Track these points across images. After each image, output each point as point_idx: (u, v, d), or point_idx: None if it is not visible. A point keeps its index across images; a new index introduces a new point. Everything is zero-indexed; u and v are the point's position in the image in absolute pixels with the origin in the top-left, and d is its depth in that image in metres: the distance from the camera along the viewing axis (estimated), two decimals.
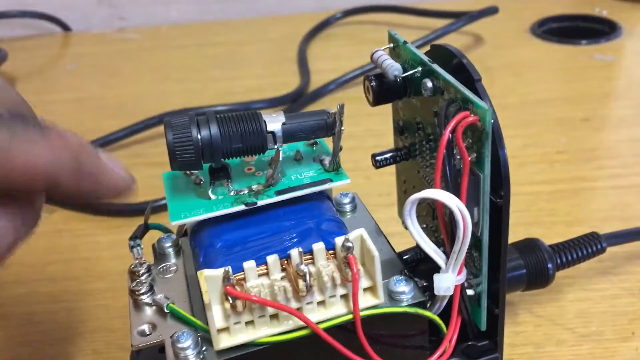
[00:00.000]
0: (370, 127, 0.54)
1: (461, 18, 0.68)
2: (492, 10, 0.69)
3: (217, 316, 0.23)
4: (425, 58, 0.26)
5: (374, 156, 0.30)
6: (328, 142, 0.30)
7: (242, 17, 0.84)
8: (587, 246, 0.33)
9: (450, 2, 0.78)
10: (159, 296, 0.26)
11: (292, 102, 0.60)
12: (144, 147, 0.56)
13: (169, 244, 0.29)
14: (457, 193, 0.24)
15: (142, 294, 0.26)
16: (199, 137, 0.25)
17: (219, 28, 0.81)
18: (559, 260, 0.32)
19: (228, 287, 0.23)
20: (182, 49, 0.77)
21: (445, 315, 0.26)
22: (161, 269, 0.28)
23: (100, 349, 0.36)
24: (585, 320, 0.35)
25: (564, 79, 0.62)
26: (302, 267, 0.23)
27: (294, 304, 0.24)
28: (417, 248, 0.31)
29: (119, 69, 0.73)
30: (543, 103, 0.57)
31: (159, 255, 0.29)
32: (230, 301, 0.23)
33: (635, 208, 0.43)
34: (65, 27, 0.83)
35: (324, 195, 0.28)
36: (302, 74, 0.65)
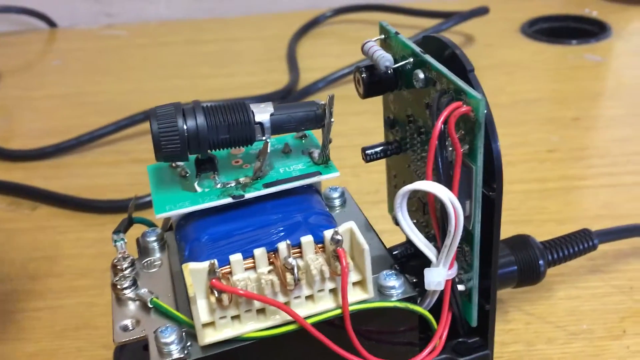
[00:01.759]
0: (358, 125, 0.54)
1: (451, 18, 0.67)
2: (482, 11, 0.68)
3: (202, 310, 0.23)
4: (417, 49, 0.26)
5: (364, 150, 0.29)
6: (317, 136, 0.29)
7: (231, 15, 0.83)
8: (578, 243, 0.33)
9: (440, 1, 0.78)
10: (143, 290, 0.25)
11: (281, 99, 0.59)
12: (130, 144, 0.55)
13: (153, 238, 0.28)
14: (449, 186, 0.23)
15: (125, 288, 0.26)
16: (185, 127, 0.24)
17: (209, 25, 0.81)
18: (550, 257, 0.32)
19: (214, 280, 0.22)
20: (171, 46, 0.76)
21: (435, 311, 0.26)
22: (145, 264, 0.28)
23: (84, 346, 0.35)
24: (576, 318, 0.35)
25: (554, 78, 0.62)
26: (290, 260, 0.23)
27: (281, 298, 0.23)
28: (407, 244, 0.31)
29: (105, 65, 0.72)
30: (533, 102, 0.57)
31: (143, 249, 0.28)
32: (216, 295, 0.22)
33: (625, 207, 0.43)
34: (51, 23, 0.82)
35: (313, 189, 0.28)
36: (292, 72, 0.65)
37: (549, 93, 0.59)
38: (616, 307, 0.35)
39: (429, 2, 0.78)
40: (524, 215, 0.43)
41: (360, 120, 0.54)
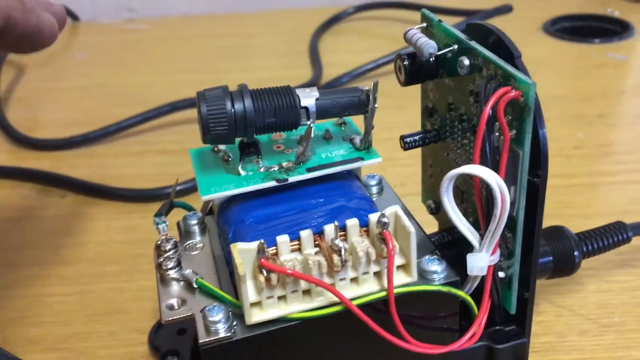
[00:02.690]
0: (381, 120, 0.53)
1: (475, 16, 0.67)
2: (505, 9, 0.68)
3: (250, 290, 0.23)
4: (463, 36, 0.26)
5: (402, 138, 0.30)
6: (356, 123, 0.30)
7: (250, 10, 0.84)
8: (613, 235, 0.33)
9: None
10: (187, 271, 0.26)
11: None
12: (156, 135, 0.55)
13: (194, 222, 0.29)
14: (495, 170, 0.23)
15: (170, 269, 0.26)
16: (233, 110, 0.25)
17: (228, 20, 0.81)
18: (585, 248, 0.32)
19: (263, 259, 0.22)
20: (192, 40, 0.77)
21: (474, 298, 0.26)
22: (187, 246, 0.28)
23: (116, 330, 0.35)
24: (607, 311, 0.35)
25: (578, 76, 0.62)
26: (338, 241, 0.23)
27: (327, 280, 0.24)
28: (443, 232, 0.31)
29: (127, 58, 0.72)
30: (558, 99, 0.57)
31: (185, 232, 0.29)
32: (265, 274, 0.22)
33: None
34: (73, 17, 0.83)
35: (353, 175, 0.28)
36: (315, 66, 0.65)
37: (573, 90, 0.59)
38: None
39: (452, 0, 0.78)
40: (551, 210, 0.42)
41: (384, 115, 0.53)
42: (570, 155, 0.49)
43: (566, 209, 0.43)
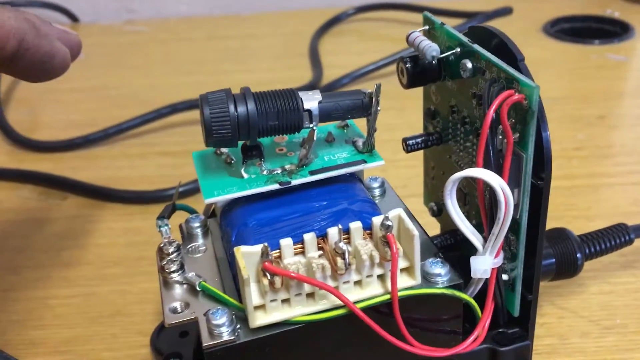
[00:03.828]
0: (383, 122, 0.53)
1: (475, 17, 0.67)
2: (506, 11, 0.68)
3: (253, 293, 0.23)
4: (465, 39, 0.26)
5: (405, 140, 0.30)
6: (359, 126, 0.30)
7: (250, 12, 0.84)
8: (615, 237, 0.33)
9: (463, 1, 0.78)
10: (191, 274, 0.26)
11: None
12: (157, 137, 0.55)
13: (197, 224, 0.29)
14: (499, 173, 0.23)
15: (173, 272, 0.26)
16: (236, 113, 0.25)
17: (229, 22, 0.81)
18: (587, 250, 0.32)
19: (266, 262, 0.22)
20: (192, 42, 0.77)
21: (478, 301, 0.26)
22: (190, 249, 0.28)
23: (119, 333, 0.35)
24: (609, 313, 0.35)
25: (578, 77, 0.62)
26: (341, 244, 0.23)
27: (330, 283, 0.23)
28: (445, 235, 0.31)
29: (128, 60, 0.72)
30: (558, 101, 0.57)
31: (187, 235, 0.29)
32: (268, 277, 0.22)
33: None
34: (73, 18, 0.83)
35: (356, 178, 0.28)
36: (315, 68, 0.65)
37: (573, 91, 0.59)
38: None
39: (452, 1, 0.78)
40: (553, 212, 0.42)
41: (385, 117, 0.53)
42: (571, 156, 0.49)
43: (568, 210, 0.43)
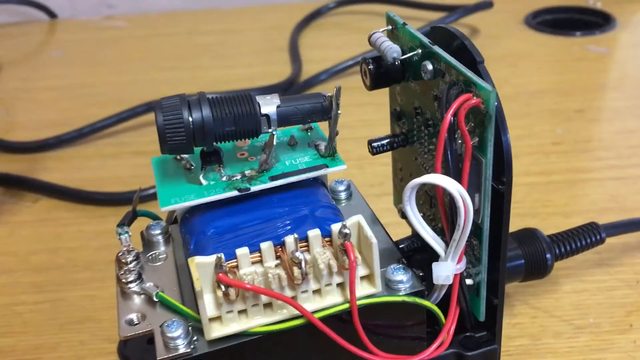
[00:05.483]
0: (362, 117, 0.54)
1: (456, 11, 0.67)
2: (486, 5, 0.68)
3: (208, 305, 0.22)
4: (426, 40, 0.25)
5: (370, 142, 0.29)
6: (323, 128, 0.29)
7: (231, 6, 0.83)
8: (586, 236, 0.33)
9: None
10: (148, 284, 0.25)
11: (284, 91, 0.59)
12: (131, 136, 0.55)
13: (158, 232, 0.28)
14: (458, 179, 0.23)
15: (130, 282, 0.25)
16: (191, 119, 0.24)
17: (209, 17, 0.80)
18: (557, 251, 0.32)
19: (220, 274, 0.22)
20: (171, 37, 0.76)
21: (443, 305, 0.26)
22: (150, 257, 0.27)
23: (87, 340, 0.35)
24: (582, 312, 0.35)
25: (558, 70, 0.61)
26: (298, 254, 0.22)
27: (288, 293, 0.23)
28: (413, 237, 0.30)
29: (106, 56, 0.71)
30: (537, 94, 0.56)
31: (148, 242, 0.28)
32: (223, 289, 0.22)
33: (632, 199, 0.43)
34: (51, 14, 0.81)
35: (319, 182, 0.28)
36: (294, 63, 0.64)
37: (553, 85, 0.58)
38: (622, 301, 0.35)
39: None
40: (529, 209, 0.42)
41: (363, 112, 0.54)
42: (549, 152, 0.48)
43: (544, 207, 0.43)
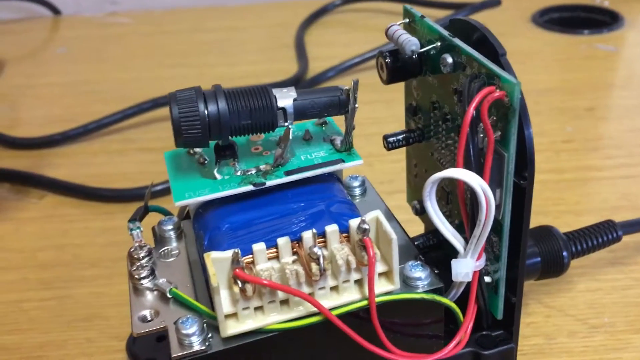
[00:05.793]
0: (370, 115, 0.53)
1: (463, 9, 0.66)
2: (494, 2, 0.67)
3: (224, 301, 0.22)
4: (445, 32, 0.25)
5: (385, 137, 0.29)
6: (337, 123, 0.29)
7: (236, 3, 0.82)
8: (602, 234, 0.32)
9: None
10: (161, 280, 0.25)
11: None
12: (137, 132, 0.54)
13: (170, 227, 0.28)
14: (479, 173, 0.22)
15: (143, 278, 0.25)
16: (206, 112, 0.24)
17: (212, 14, 0.80)
18: (574, 249, 0.31)
19: (237, 269, 0.21)
20: (176, 34, 0.75)
21: (460, 303, 0.25)
22: (162, 253, 0.27)
23: (94, 337, 0.34)
24: (597, 311, 0.34)
25: (567, 68, 0.61)
26: (316, 249, 0.22)
27: (305, 289, 0.23)
28: (428, 234, 0.30)
29: (110, 53, 0.71)
30: (546, 92, 0.56)
31: (160, 238, 0.28)
32: (240, 285, 0.21)
33: None
34: (55, 11, 0.81)
35: (334, 177, 0.27)
36: (301, 60, 0.64)
37: (561, 83, 0.58)
38: (637, 300, 0.35)
39: None
40: (541, 207, 0.42)
41: (372, 110, 0.53)
42: (560, 150, 0.48)
43: (555, 205, 0.42)
